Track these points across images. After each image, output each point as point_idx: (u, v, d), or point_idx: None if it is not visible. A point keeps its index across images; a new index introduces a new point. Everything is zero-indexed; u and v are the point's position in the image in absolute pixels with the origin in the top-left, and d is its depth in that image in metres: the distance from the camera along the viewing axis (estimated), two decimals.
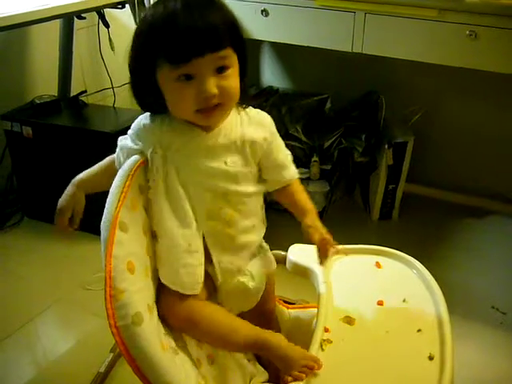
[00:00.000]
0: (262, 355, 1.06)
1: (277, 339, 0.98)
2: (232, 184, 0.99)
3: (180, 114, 0.96)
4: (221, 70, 0.91)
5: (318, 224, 1.09)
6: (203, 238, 0.99)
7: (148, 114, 1.01)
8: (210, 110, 0.92)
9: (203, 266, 0.99)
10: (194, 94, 0.90)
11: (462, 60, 1.62)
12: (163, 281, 0.96)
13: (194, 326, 0.98)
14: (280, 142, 1.08)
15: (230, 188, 0.99)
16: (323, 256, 1.09)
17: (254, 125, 1.02)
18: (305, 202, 1.13)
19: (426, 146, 2.32)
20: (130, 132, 1.04)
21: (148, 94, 0.96)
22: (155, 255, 0.98)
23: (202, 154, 0.97)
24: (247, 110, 1.04)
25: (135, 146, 1.00)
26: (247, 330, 1.00)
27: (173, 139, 0.97)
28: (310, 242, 1.07)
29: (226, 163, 0.98)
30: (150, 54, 0.91)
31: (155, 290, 0.98)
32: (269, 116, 1.07)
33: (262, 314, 1.15)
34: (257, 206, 1.07)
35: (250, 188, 1.03)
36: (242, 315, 1.08)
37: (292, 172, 1.10)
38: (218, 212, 0.99)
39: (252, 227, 1.05)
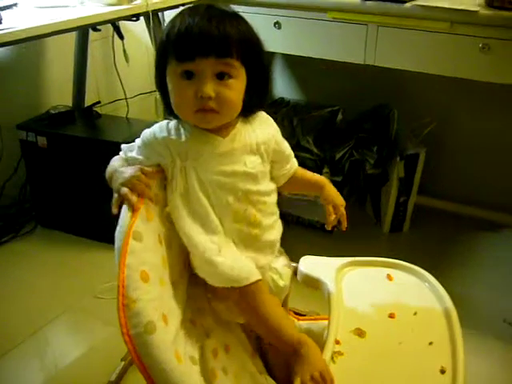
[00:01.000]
0: (292, 357, 1.01)
1: (312, 341, 0.99)
2: (253, 184, 1.02)
3: (182, 115, 0.99)
4: (222, 76, 0.93)
5: (333, 194, 1.21)
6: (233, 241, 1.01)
7: (163, 125, 1.02)
8: (207, 112, 0.94)
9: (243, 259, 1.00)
10: (193, 93, 0.93)
11: (475, 72, 1.62)
12: (217, 285, 0.98)
13: (253, 312, 0.98)
14: (287, 148, 1.13)
15: (252, 188, 1.02)
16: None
17: (261, 125, 1.07)
18: (313, 180, 1.21)
19: (437, 158, 2.32)
20: (139, 144, 1.04)
21: (165, 94, 1.00)
22: (188, 264, 1.00)
23: (222, 159, 0.99)
24: (249, 116, 1.06)
25: (147, 162, 1.01)
26: (293, 325, 1.01)
27: (190, 148, 0.99)
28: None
29: (245, 164, 1.01)
30: (163, 53, 0.96)
31: (176, 299, 0.98)
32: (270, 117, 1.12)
33: None
34: (275, 203, 1.10)
35: (270, 186, 1.07)
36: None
37: (294, 160, 1.16)
38: (243, 214, 1.01)
39: (273, 225, 1.08)
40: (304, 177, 1.20)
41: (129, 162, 1.04)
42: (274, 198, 1.09)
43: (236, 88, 0.95)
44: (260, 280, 0.97)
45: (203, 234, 0.98)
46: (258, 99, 1.02)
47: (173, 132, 1.00)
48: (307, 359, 0.94)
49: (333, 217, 1.20)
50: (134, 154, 1.04)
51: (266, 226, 1.05)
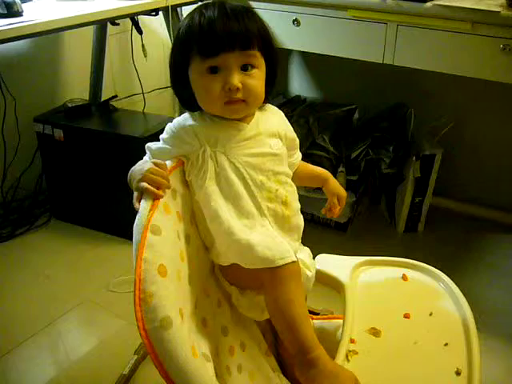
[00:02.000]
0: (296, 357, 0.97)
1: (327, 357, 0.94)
2: (280, 165, 1.06)
3: (209, 108, 1.02)
4: (246, 68, 0.98)
5: (337, 186, 1.23)
6: (269, 223, 1.01)
7: (187, 115, 1.05)
8: (235, 103, 0.99)
9: (280, 239, 0.99)
10: (220, 86, 0.97)
11: (495, 73, 1.61)
12: (251, 266, 0.95)
13: (279, 298, 0.94)
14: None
15: (279, 169, 1.05)
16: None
17: (275, 114, 1.13)
18: (316, 172, 1.26)
19: (454, 159, 2.30)
20: (164, 136, 1.05)
21: (184, 90, 1.03)
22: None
23: (249, 143, 1.03)
24: (264, 105, 1.12)
25: (174, 151, 1.03)
26: (312, 328, 0.97)
27: (219, 135, 1.01)
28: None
29: (271, 147, 1.05)
30: (185, 50, 0.99)
31: (194, 295, 0.98)
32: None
33: None
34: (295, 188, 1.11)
35: (288, 169, 1.10)
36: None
37: (299, 152, 1.21)
38: (275, 193, 1.03)
39: (299, 210, 1.09)
40: (307, 168, 1.24)
41: (155, 154, 1.05)
42: (294, 184, 1.11)
43: (259, 77, 1.00)
44: (295, 262, 0.95)
45: (235, 219, 0.98)
46: (271, 90, 1.07)
47: (199, 120, 1.03)
48: (325, 377, 0.89)
49: (337, 208, 1.22)
50: (159, 145, 1.05)
51: (295, 209, 1.07)
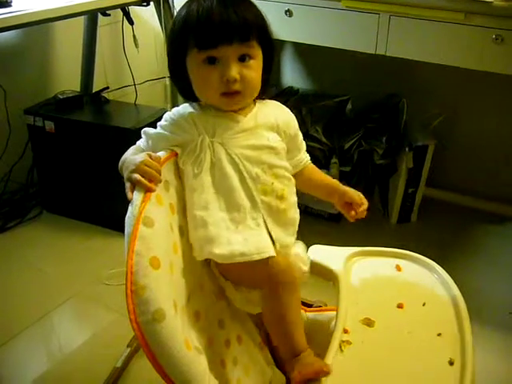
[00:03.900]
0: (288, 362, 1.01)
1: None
2: (276, 158, 1.05)
3: (206, 98, 1.02)
4: (243, 58, 0.98)
5: (347, 195, 1.19)
6: (263, 216, 1.01)
7: (187, 105, 1.06)
8: (232, 95, 0.99)
9: (265, 236, 0.99)
10: (218, 77, 0.97)
11: (487, 64, 1.60)
12: (227, 261, 0.96)
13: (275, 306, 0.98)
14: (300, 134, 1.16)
15: (276, 163, 1.04)
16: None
17: (277, 108, 1.12)
18: (327, 180, 1.22)
19: (446, 149, 2.30)
20: (163, 123, 1.05)
21: (182, 80, 1.03)
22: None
23: (246, 135, 1.03)
24: (267, 101, 1.12)
25: (172, 138, 1.03)
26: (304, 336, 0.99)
27: (217, 125, 1.02)
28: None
29: (268, 140, 1.05)
30: (182, 40, 0.98)
31: (188, 287, 0.98)
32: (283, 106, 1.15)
33: None
34: (294, 184, 1.10)
35: (287, 163, 1.09)
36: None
37: (307, 155, 1.19)
38: (271, 187, 1.02)
39: (296, 204, 1.09)
40: (316, 175, 1.21)
41: (153, 138, 1.05)
42: (293, 178, 1.10)
43: (257, 68, 1.01)
44: (273, 257, 0.96)
45: (224, 212, 0.98)
46: (268, 80, 1.07)
47: (198, 109, 1.04)
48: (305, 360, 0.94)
49: (361, 208, 1.20)
50: (158, 130, 1.05)
51: (292, 203, 1.07)
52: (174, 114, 1.05)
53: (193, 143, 1.01)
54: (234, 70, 0.97)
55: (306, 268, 1.09)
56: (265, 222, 1.01)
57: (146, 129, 1.07)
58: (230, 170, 1.00)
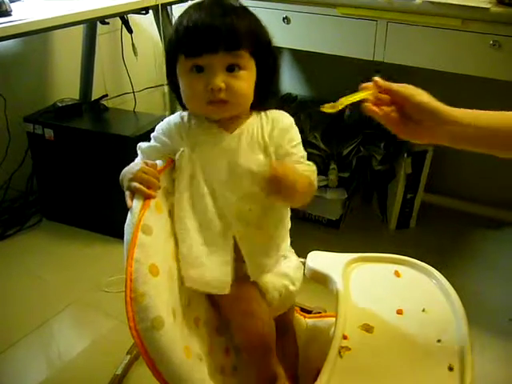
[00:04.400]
0: None
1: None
2: (255, 184, 0.99)
3: (192, 107, 1.00)
4: (232, 68, 0.95)
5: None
6: (234, 239, 1.01)
7: (178, 114, 1.05)
8: (218, 103, 0.95)
9: (230, 266, 0.99)
10: (203, 86, 0.94)
11: (485, 70, 1.61)
12: (187, 284, 0.97)
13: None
14: (298, 151, 1.05)
15: (253, 189, 0.99)
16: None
17: (277, 122, 1.04)
18: None
19: (444, 155, 2.31)
20: (154, 134, 1.05)
21: (176, 88, 1.01)
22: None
23: (227, 155, 0.99)
24: (268, 111, 1.05)
25: (163, 149, 1.03)
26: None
27: (198, 139, 1.00)
28: None
29: (252, 163, 1.00)
30: (173, 48, 0.98)
31: (187, 294, 0.98)
32: (290, 117, 1.08)
33: (281, 322, 1.14)
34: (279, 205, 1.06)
35: None
36: None
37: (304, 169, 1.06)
38: (247, 213, 1.00)
39: (278, 226, 1.06)
40: None
41: (145, 154, 1.05)
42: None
43: (246, 79, 0.97)
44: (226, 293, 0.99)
45: (197, 232, 0.98)
46: (268, 91, 1.03)
47: (186, 120, 1.02)
48: None
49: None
50: (150, 143, 1.05)
51: (272, 226, 1.04)
52: (164, 123, 1.04)
53: (176, 154, 1.00)
54: (219, 79, 0.94)
55: (293, 288, 1.09)
56: (237, 246, 1.01)
57: (139, 144, 1.07)
58: (205, 190, 0.98)
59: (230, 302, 1.02)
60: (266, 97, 1.04)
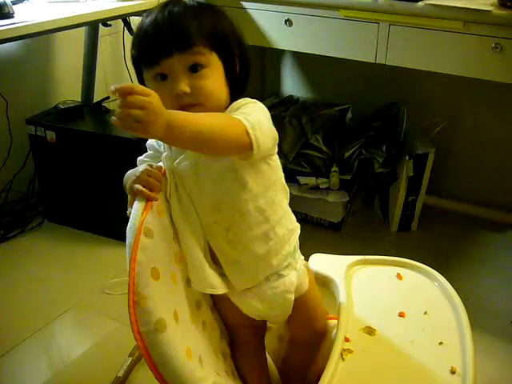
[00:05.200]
0: None
1: None
2: (241, 189, 0.95)
3: None
4: (195, 69, 0.90)
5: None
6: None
7: None
8: (190, 108, 0.90)
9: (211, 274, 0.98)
10: (169, 93, 0.90)
11: (487, 72, 1.61)
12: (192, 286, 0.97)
13: None
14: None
15: (219, 197, 0.96)
16: None
17: (232, 108, 0.95)
18: None
19: (446, 158, 2.31)
20: (148, 142, 1.04)
21: None
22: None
23: (195, 158, 0.94)
24: (234, 103, 0.96)
25: (153, 152, 1.03)
26: None
27: (177, 150, 0.96)
28: None
29: (213, 167, 0.94)
30: (134, 62, 0.96)
31: (190, 297, 0.98)
32: (246, 99, 0.96)
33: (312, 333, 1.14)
34: (273, 207, 0.99)
35: (245, 195, 0.96)
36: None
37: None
38: (211, 226, 0.97)
39: (258, 243, 0.98)
40: None
41: (143, 162, 1.03)
42: (262, 201, 0.97)
43: (211, 76, 0.92)
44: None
45: (190, 233, 0.96)
46: (243, 82, 0.98)
47: None
48: None
49: None
50: (147, 152, 1.05)
51: (248, 242, 0.98)
52: None
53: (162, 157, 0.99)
54: (182, 83, 0.89)
55: (290, 296, 1.03)
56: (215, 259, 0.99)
57: (138, 158, 1.05)
58: (185, 193, 0.96)
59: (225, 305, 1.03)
60: (243, 88, 0.99)
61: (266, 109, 0.96)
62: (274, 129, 0.94)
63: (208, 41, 0.91)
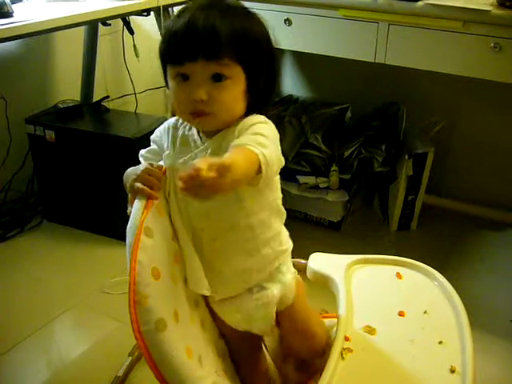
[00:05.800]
0: None
1: None
2: (237, 203, 0.95)
3: (179, 115, 0.96)
4: (219, 78, 0.88)
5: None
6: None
7: (175, 117, 1.01)
8: (200, 115, 0.90)
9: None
10: (187, 95, 0.89)
11: (486, 72, 1.62)
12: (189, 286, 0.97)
13: None
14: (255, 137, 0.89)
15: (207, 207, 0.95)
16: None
17: (243, 126, 0.92)
18: None
19: (445, 157, 2.31)
20: (152, 136, 1.05)
21: None
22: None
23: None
24: (246, 118, 0.93)
25: (157, 148, 1.02)
26: None
27: (177, 141, 0.98)
28: None
29: None
30: (161, 56, 0.94)
31: (190, 297, 0.98)
32: (262, 117, 0.94)
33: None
34: (260, 223, 0.98)
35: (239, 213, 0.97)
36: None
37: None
38: (199, 233, 0.97)
39: (244, 257, 0.99)
40: None
41: (145, 158, 1.04)
42: (252, 219, 0.97)
43: (231, 89, 0.90)
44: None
45: (186, 233, 0.97)
46: (264, 99, 0.95)
47: (179, 124, 0.99)
48: None
49: None
50: (150, 146, 1.05)
51: (234, 255, 0.98)
52: (162, 125, 1.02)
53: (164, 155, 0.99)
54: (201, 91, 0.87)
55: (272, 309, 1.02)
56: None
57: (140, 151, 1.05)
58: (182, 194, 0.93)
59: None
60: (265, 103, 0.96)
61: (276, 131, 0.93)
62: (280, 155, 0.91)
63: (236, 54, 0.88)
